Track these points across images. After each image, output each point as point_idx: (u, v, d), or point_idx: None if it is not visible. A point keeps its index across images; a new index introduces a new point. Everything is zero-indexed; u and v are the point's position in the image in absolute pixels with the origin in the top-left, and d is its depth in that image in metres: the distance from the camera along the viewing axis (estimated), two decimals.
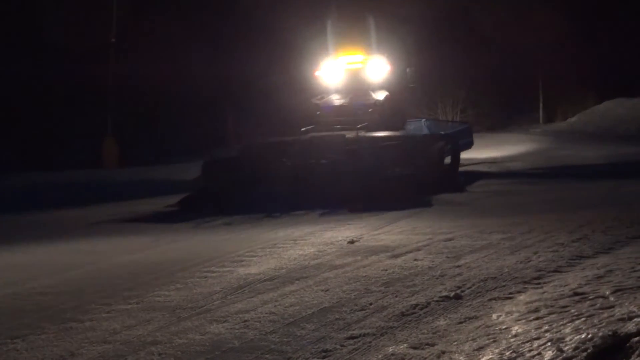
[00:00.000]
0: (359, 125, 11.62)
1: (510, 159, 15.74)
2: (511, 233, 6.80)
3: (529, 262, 5.50)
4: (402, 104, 13.42)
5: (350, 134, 11.45)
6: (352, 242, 6.87)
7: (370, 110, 12.48)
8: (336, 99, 12.85)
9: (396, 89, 13.06)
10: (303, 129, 12.16)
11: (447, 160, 12.23)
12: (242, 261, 6.25)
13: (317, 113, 12.70)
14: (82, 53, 21.09)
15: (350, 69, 13.18)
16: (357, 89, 12.95)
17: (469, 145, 14.21)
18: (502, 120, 27.20)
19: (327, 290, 5.00)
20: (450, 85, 24.67)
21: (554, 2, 26.24)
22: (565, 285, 4.64)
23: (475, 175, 12.74)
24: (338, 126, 12.15)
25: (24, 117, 22.00)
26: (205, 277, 5.68)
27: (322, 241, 7.03)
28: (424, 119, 13.73)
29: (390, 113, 12.64)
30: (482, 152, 16.01)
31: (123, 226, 9.38)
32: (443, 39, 23.55)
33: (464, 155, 13.62)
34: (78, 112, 22.20)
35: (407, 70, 13.44)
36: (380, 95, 12.76)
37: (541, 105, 28.44)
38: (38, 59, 21.82)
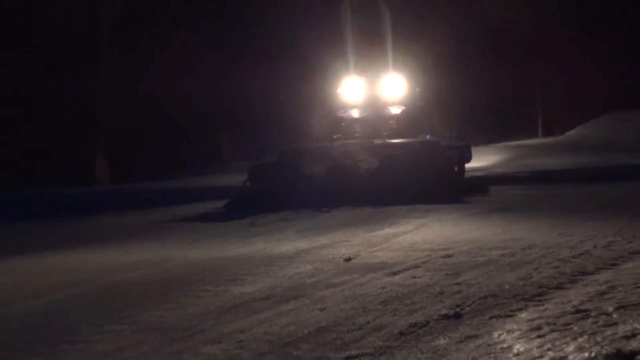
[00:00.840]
0: (385, 133, 13.95)
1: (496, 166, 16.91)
2: (511, 249, 6.80)
3: (529, 278, 5.48)
4: (417, 118, 15.37)
5: (377, 141, 13.32)
6: (348, 259, 6.85)
7: (390, 121, 14.64)
8: (356, 113, 14.90)
9: (411, 105, 15.15)
10: (335, 137, 14.38)
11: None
12: (236, 279, 6.23)
13: (343, 124, 14.77)
14: (73, 65, 21.20)
15: (369, 87, 15.17)
16: (375, 104, 14.97)
17: (468, 159, 15.92)
18: (501, 135, 27.53)
19: (323, 309, 4.97)
20: (451, 102, 25.08)
21: (550, 15, 26.53)
22: (567, 302, 4.62)
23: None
24: (357, 134, 14.37)
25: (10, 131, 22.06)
26: (199, 297, 5.65)
27: (319, 258, 7.01)
28: (428, 135, 14.98)
29: (406, 126, 14.64)
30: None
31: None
32: (451, 57, 24.40)
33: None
34: (68, 127, 22.26)
35: (417, 89, 15.41)
36: (396, 110, 14.81)
37: (540, 119, 28.60)
38: (27, 71, 21.87)
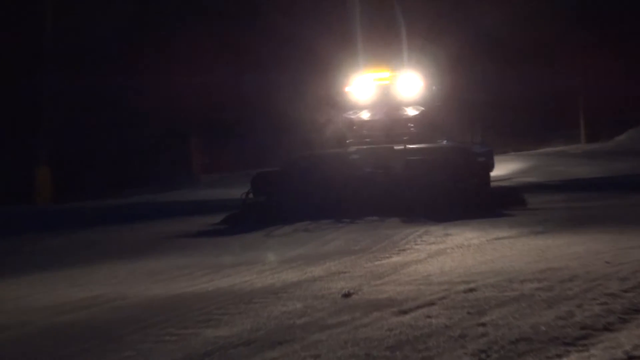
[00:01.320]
0: (405, 138, 15.11)
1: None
2: (548, 281, 6.78)
3: (571, 317, 5.46)
4: (436, 121, 16.49)
5: (397, 147, 14.43)
6: (347, 295, 6.82)
7: (410, 125, 15.78)
8: (368, 114, 16.08)
9: (430, 105, 16.20)
10: (348, 141, 15.78)
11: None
12: (209, 320, 6.19)
13: (354, 127, 16.12)
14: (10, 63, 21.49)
15: (381, 85, 16.27)
16: (388, 104, 16.05)
17: (491, 168, 16.41)
18: (535, 140, 27.84)
19: (317, 357, 4.95)
20: (475, 103, 26.14)
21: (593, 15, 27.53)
22: (617, 347, 4.61)
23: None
24: (368, 139, 15.56)
25: None
26: (163, 342, 5.62)
27: (311, 294, 6.98)
28: (444, 140, 16.07)
29: (426, 129, 15.81)
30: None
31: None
32: (476, 55, 26.28)
33: None
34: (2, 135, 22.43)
35: (433, 88, 16.44)
36: (413, 111, 15.89)
37: (582, 122, 28.82)
38: None
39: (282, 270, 8.54)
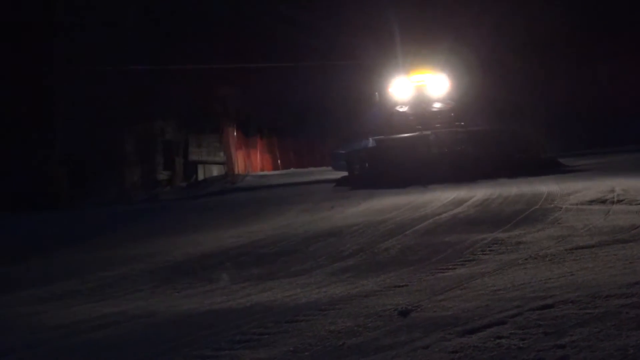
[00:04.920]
0: (457, 123, 23.80)
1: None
2: (637, 297, 6.70)
3: None
4: (459, 113, 24.63)
5: (459, 131, 22.94)
6: (405, 312, 6.81)
7: (452, 114, 24.23)
8: (411, 109, 24.33)
9: (456, 100, 24.31)
10: (418, 127, 23.22)
11: None
12: (247, 341, 6.22)
13: (410, 118, 24.15)
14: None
15: (417, 86, 24.36)
16: (423, 101, 24.28)
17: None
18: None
19: None
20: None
21: None
22: None
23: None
24: (419, 127, 23.54)
25: None
26: None
27: (363, 311, 6.98)
28: (462, 123, 24.44)
29: (451, 119, 24.10)
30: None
31: None
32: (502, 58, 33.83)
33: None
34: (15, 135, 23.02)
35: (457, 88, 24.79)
36: (444, 106, 24.07)
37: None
38: None
39: (330, 283, 8.55)
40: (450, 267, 9.01)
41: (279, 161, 43.88)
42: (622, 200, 13.43)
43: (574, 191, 15.25)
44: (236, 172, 34.16)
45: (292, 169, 40.96)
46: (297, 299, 7.82)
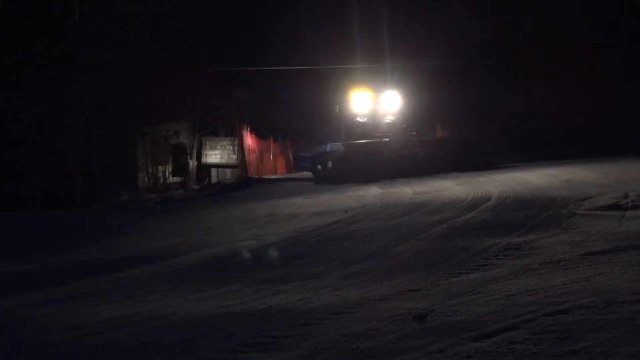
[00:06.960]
0: (414, 132, 28.89)
1: None
2: None
3: None
4: (407, 123, 29.64)
5: (415, 138, 28.13)
6: (419, 316, 6.80)
7: (403, 125, 28.99)
8: (365, 119, 28.96)
9: (406, 115, 29.57)
10: (376, 135, 27.95)
11: None
12: (260, 344, 6.22)
13: (369, 127, 28.65)
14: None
15: (373, 100, 29.01)
16: (379, 113, 28.97)
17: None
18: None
19: None
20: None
21: None
22: None
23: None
24: (377, 135, 28.51)
25: None
26: None
27: (377, 315, 6.98)
28: (414, 132, 29.42)
29: (401, 130, 28.94)
30: None
31: None
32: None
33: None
34: (29, 136, 23.17)
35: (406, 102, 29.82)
36: (396, 118, 29.09)
37: None
38: None
39: (343, 287, 8.54)
40: (463, 271, 9.00)
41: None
42: (637, 206, 13.37)
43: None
44: (249, 175, 34.36)
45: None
46: (310, 303, 7.81)
